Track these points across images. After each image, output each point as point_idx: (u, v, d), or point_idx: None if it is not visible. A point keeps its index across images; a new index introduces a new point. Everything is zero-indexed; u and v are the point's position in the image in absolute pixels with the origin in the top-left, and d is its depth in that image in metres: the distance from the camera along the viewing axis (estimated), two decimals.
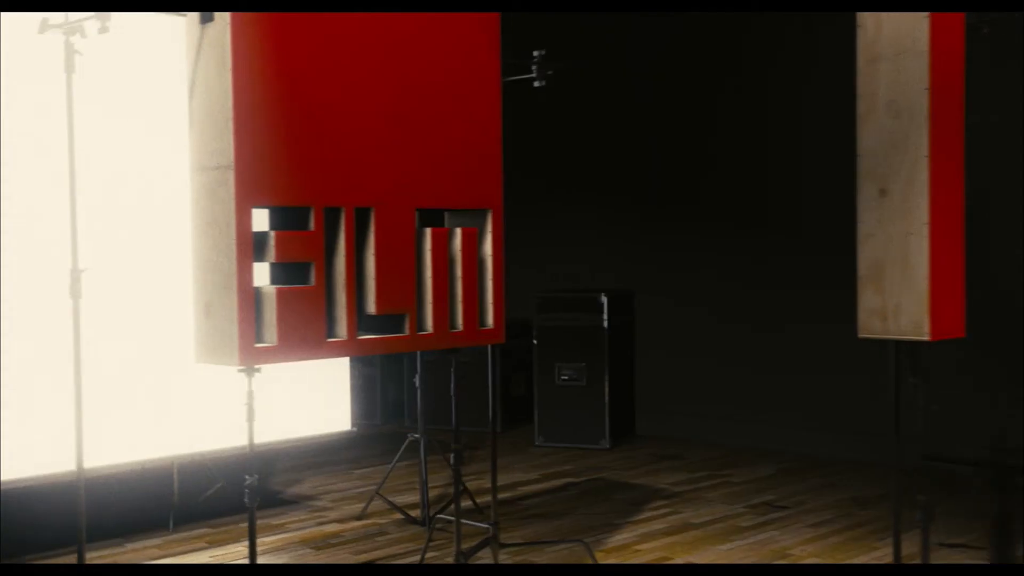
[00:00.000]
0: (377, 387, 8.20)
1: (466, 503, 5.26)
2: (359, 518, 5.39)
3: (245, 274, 3.18)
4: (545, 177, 7.94)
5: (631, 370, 7.56)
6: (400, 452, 5.41)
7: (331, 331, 3.44)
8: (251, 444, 3.38)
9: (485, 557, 4.44)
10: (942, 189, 2.91)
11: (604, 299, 7.16)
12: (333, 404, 5.56)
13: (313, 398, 5.39)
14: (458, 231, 3.79)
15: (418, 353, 5.38)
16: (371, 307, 3.53)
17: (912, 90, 2.89)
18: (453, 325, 3.78)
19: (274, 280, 3.44)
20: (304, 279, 3.37)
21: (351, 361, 8.00)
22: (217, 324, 3.22)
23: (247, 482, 3.36)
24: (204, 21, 3.22)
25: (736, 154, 7.18)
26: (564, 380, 7.22)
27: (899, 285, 2.96)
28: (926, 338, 2.95)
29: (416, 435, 5.35)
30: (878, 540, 4.89)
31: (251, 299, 3.20)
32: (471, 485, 6.06)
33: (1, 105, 4.17)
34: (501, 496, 5.90)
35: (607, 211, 7.88)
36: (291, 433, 5.30)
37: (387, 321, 3.64)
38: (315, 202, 3.36)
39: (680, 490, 5.99)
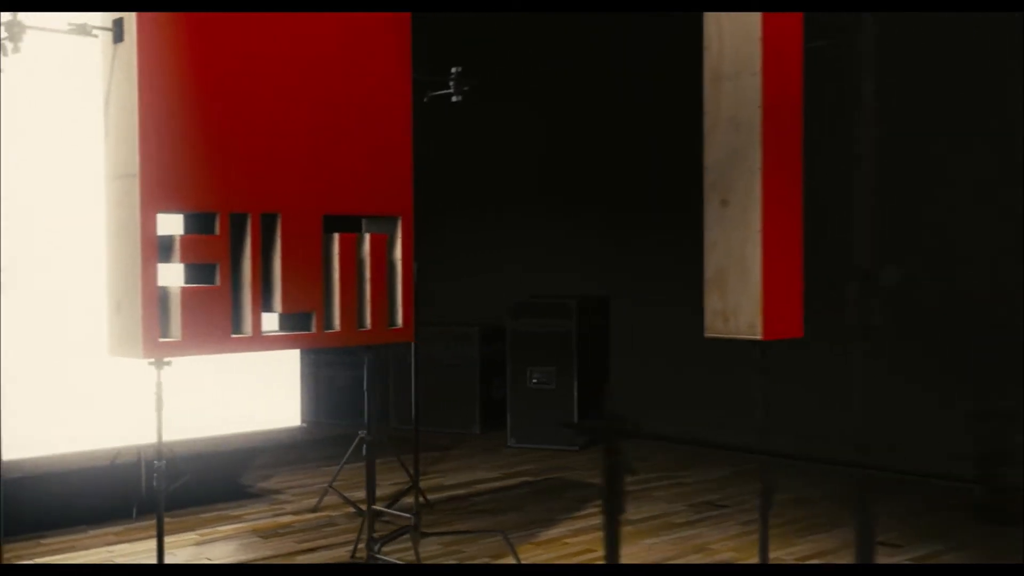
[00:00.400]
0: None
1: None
2: (313, 511, 5.66)
3: (149, 274, 3.46)
4: (523, 187, 8.18)
5: (605, 373, 7.75)
6: (350, 450, 5.66)
7: (236, 328, 3.70)
8: (160, 435, 3.64)
9: (408, 548, 4.67)
10: (776, 200, 3.11)
11: (573, 304, 7.38)
12: (284, 399, 5.82)
13: (265, 394, 5.65)
14: (367, 236, 4.04)
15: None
16: (277, 306, 3.79)
17: (749, 108, 3.10)
18: (361, 324, 4.03)
19: (188, 280, 3.71)
20: (211, 279, 3.64)
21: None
22: (125, 321, 3.50)
23: (156, 466, 3.64)
24: (116, 40, 3.51)
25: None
26: (535, 383, 7.44)
27: (737, 289, 3.16)
28: (759, 337, 3.15)
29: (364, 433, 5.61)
30: (798, 537, 5.08)
31: (155, 297, 3.47)
32: (433, 482, 6.33)
33: None
34: (457, 492, 6.15)
35: (584, 219, 8.10)
36: (243, 427, 5.58)
37: (300, 319, 3.90)
38: (221, 208, 3.63)
39: (631, 489, 6.17)
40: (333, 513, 5.61)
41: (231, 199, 3.65)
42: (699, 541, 5.03)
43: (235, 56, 3.66)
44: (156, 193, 3.46)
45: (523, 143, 8.23)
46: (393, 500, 5.59)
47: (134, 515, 5.46)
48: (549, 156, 8.25)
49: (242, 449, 6.26)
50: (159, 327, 3.49)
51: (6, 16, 3.36)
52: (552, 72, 7.95)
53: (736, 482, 6.34)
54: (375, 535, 4.47)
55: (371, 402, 4.57)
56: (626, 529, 5.17)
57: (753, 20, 3.14)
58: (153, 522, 5.33)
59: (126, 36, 3.46)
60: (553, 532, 5.21)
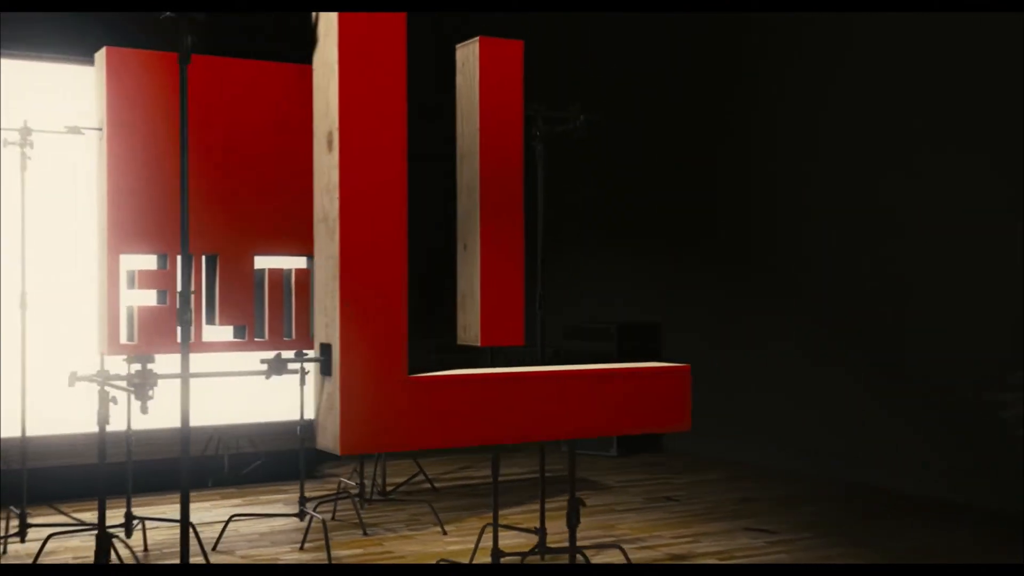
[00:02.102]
0: None
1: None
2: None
3: (113, 298, 4.99)
4: (588, 222, 9.30)
5: None
6: None
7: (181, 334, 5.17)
8: (102, 429, 5.17)
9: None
10: (493, 245, 4.21)
11: (613, 329, 8.43)
12: None
13: None
14: (292, 270, 5.41)
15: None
16: (216, 320, 5.24)
17: (475, 179, 4.23)
18: (288, 335, 5.41)
19: (158, 300, 5.22)
20: (164, 301, 5.15)
21: None
22: (103, 328, 5.07)
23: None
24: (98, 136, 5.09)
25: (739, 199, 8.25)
26: None
27: (470, 310, 4.28)
28: (478, 344, 4.27)
29: None
30: (699, 523, 5.99)
31: (117, 313, 5.01)
32: (463, 473, 7.59)
33: None
34: (466, 482, 7.38)
35: (642, 252, 9.10)
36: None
37: (239, 330, 5.33)
38: (170, 251, 5.13)
39: (613, 485, 7.20)
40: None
41: (177, 244, 5.14)
42: (611, 524, 6.03)
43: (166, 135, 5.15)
44: (120, 240, 5.00)
45: (591, 183, 9.34)
46: (403, 484, 6.92)
47: (209, 484, 7.10)
48: (626, 197, 9.31)
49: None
50: (119, 333, 5.02)
51: (16, 125, 5.04)
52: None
53: (715, 485, 7.20)
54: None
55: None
56: (563, 511, 6.29)
57: (476, 114, 4.26)
58: (220, 490, 6.97)
59: (104, 132, 5.04)
60: (514, 510, 6.33)
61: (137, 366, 3.91)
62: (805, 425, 7.55)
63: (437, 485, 7.17)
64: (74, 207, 6.56)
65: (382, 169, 3.45)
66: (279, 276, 5.40)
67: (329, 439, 3.44)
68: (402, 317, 3.49)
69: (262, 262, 5.37)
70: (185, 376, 3.58)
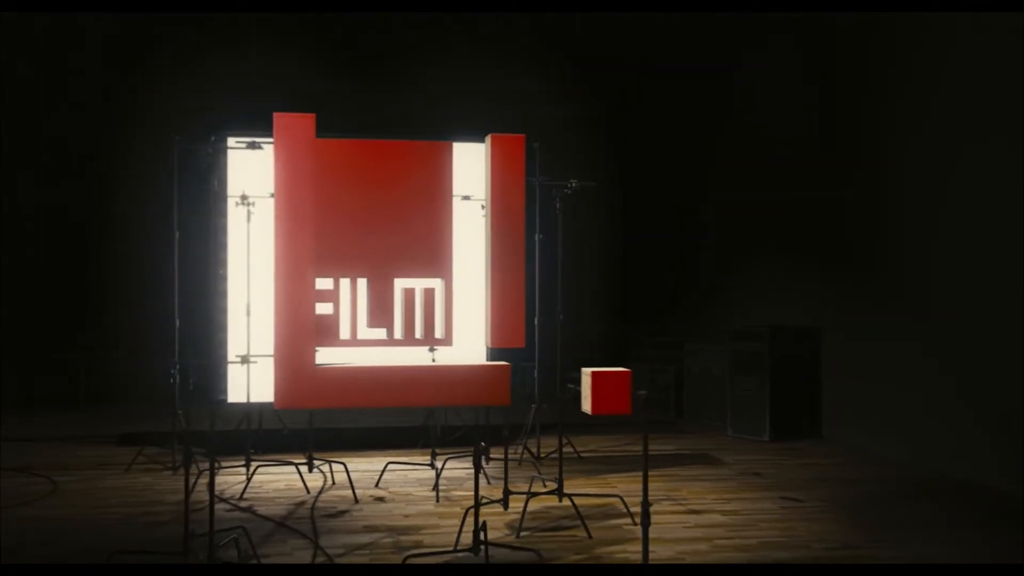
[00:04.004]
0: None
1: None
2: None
3: (307, 308, 7.37)
4: (761, 244, 10.63)
5: (806, 387, 9.95)
6: (531, 415, 8.96)
7: (342, 334, 7.45)
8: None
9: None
10: (498, 263, 6.08)
11: (765, 332, 9.79)
12: None
13: None
14: (420, 287, 7.53)
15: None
16: (364, 323, 7.48)
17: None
18: (418, 335, 7.52)
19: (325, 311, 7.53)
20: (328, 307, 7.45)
21: None
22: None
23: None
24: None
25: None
26: (744, 391, 9.96)
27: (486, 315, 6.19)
28: (490, 344, 6.14)
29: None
30: (748, 491, 7.43)
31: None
32: (620, 449, 9.37)
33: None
34: (605, 454, 9.10)
35: (812, 263, 10.31)
36: None
37: (379, 331, 7.54)
38: (335, 275, 7.43)
39: (726, 461, 8.66)
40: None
41: (340, 270, 7.43)
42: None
43: (341, 184, 7.44)
44: (311, 264, 7.37)
45: (771, 203, 10.67)
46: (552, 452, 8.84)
47: (419, 445, 9.40)
48: (797, 213, 10.57)
49: None
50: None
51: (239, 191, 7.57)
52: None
53: (756, 459, 8.46)
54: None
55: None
56: (624, 475, 7.94)
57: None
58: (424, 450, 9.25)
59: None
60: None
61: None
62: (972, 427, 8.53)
63: (582, 454, 9.00)
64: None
65: None
66: (412, 293, 7.56)
67: None
68: None
69: (399, 283, 7.56)
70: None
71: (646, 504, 4.76)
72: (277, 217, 6.47)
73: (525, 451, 8.87)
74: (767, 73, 11.01)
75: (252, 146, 7.20)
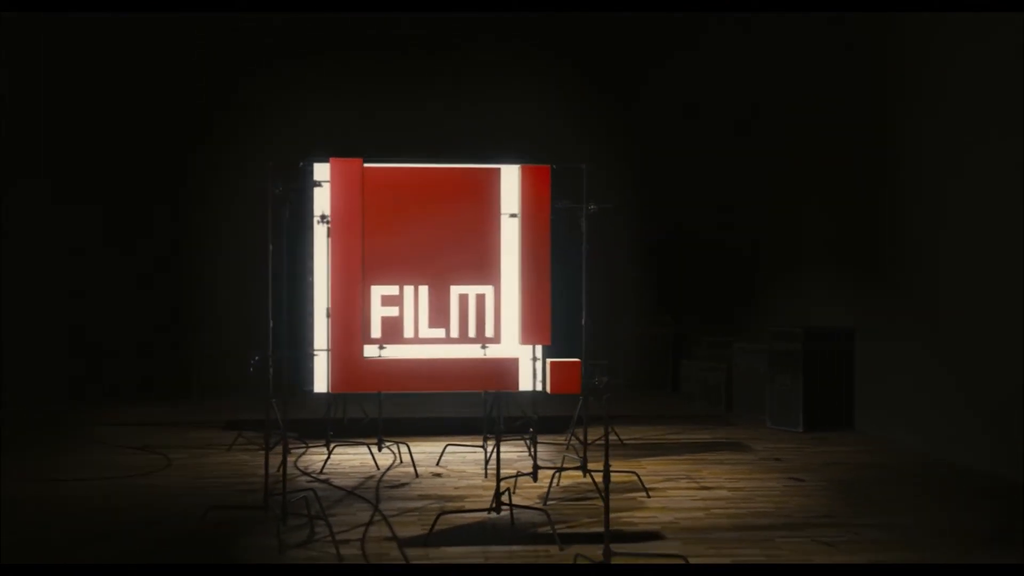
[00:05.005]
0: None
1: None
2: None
3: (367, 311, 8.64)
4: (807, 254, 11.54)
5: (839, 382, 10.84)
6: (579, 406, 10.06)
7: (406, 333, 8.67)
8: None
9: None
10: (528, 274, 7.23)
11: (799, 332, 10.72)
12: None
13: None
14: (473, 293, 8.70)
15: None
16: (425, 324, 8.68)
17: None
18: (471, 335, 8.70)
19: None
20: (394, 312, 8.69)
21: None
22: (364, 328, 8.75)
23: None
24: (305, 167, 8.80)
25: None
26: (780, 387, 10.90)
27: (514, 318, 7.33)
28: (520, 343, 7.28)
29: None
30: (759, 473, 8.42)
31: (369, 320, 8.65)
32: (669, 439, 10.41)
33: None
34: (647, 440, 10.13)
35: (835, 273, 11.18)
36: None
37: (439, 330, 8.74)
38: (399, 283, 8.65)
39: (755, 448, 9.62)
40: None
41: (404, 278, 8.66)
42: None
43: (396, 200, 8.68)
44: (372, 275, 8.63)
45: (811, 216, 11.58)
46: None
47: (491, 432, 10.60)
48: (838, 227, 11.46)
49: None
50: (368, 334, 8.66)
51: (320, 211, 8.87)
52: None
53: (779, 446, 9.38)
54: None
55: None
56: (651, 454, 8.99)
57: (516, 186, 7.31)
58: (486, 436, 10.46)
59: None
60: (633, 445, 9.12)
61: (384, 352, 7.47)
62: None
63: (625, 441, 10.07)
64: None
65: None
66: (466, 298, 8.76)
67: None
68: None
69: (455, 290, 8.75)
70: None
71: (607, 478, 5.85)
72: (333, 238, 7.75)
73: (573, 438, 9.97)
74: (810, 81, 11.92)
75: (316, 184, 8.49)
